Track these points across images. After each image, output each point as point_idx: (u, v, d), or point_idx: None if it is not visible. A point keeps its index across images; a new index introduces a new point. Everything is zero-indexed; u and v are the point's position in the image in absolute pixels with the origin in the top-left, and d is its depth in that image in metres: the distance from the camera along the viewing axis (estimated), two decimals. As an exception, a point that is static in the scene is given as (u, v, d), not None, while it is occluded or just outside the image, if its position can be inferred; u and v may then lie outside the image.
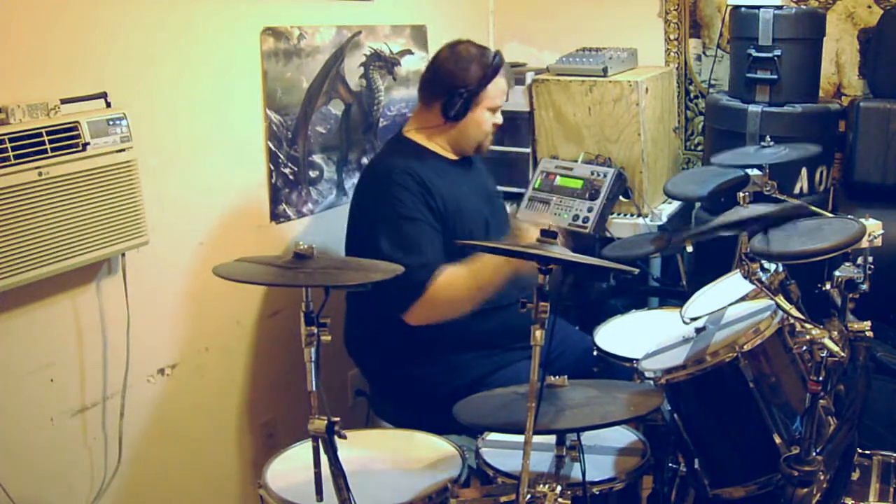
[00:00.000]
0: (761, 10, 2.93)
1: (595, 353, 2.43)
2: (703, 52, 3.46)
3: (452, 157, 2.53)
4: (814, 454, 1.68)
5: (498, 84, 2.48)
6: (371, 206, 2.39)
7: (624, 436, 2.04)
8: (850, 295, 2.00)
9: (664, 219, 3.13)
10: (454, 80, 2.43)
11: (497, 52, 2.50)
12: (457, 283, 2.25)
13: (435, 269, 2.25)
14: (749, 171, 2.57)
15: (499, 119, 2.54)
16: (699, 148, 3.52)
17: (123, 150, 2.05)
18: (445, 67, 2.47)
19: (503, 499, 1.77)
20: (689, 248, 2.64)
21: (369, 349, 2.55)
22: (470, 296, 2.25)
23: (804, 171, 2.97)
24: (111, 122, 2.02)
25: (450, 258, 2.33)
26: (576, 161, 3.17)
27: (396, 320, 2.28)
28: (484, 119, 2.48)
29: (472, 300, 2.25)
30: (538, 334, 1.58)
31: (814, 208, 2.48)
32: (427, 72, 2.53)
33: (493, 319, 2.38)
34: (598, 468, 1.87)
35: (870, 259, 2.03)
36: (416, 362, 2.39)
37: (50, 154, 1.89)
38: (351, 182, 2.90)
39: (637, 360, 2.09)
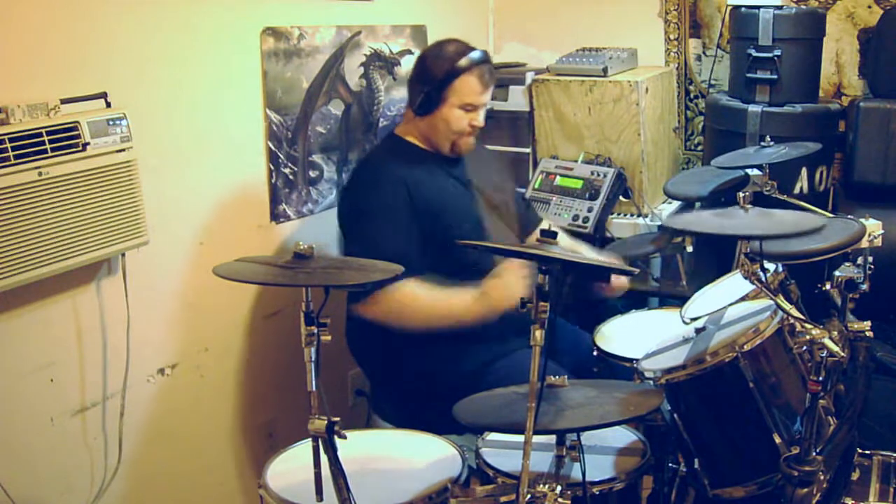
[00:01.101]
0: (761, 10, 2.93)
1: (595, 353, 2.43)
2: (703, 52, 3.45)
3: (434, 152, 2.52)
4: (814, 454, 1.68)
5: (467, 81, 2.40)
6: (350, 203, 2.42)
7: (624, 436, 2.04)
8: (850, 295, 2.00)
9: (664, 219, 3.13)
10: (424, 74, 2.44)
11: (481, 52, 2.45)
12: (418, 298, 2.25)
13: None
14: (749, 171, 2.57)
15: (478, 121, 2.45)
16: (699, 148, 3.52)
17: (123, 150, 2.05)
18: (421, 63, 2.48)
19: (503, 499, 1.77)
20: (689, 248, 2.64)
21: (370, 347, 2.55)
22: (425, 317, 2.25)
23: (804, 170, 2.97)
24: (111, 122, 2.02)
25: (445, 254, 2.33)
26: (576, 161, 3.17)
27: None
28: (454, 117, 2.42)
29: (426, 321, 2.26)
30: (538, 334, 1.58)
31: (813, 208, 2.49)
32: (411, 69, 2.55)
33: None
34: (598, 468, 1.87)
35: (870, 259, 2.03)
36: (416, 356, 2.39)
37: (50, 154, 1.89)
38: (351, 182, 2.90)
39: (637, 360, 2.09)
